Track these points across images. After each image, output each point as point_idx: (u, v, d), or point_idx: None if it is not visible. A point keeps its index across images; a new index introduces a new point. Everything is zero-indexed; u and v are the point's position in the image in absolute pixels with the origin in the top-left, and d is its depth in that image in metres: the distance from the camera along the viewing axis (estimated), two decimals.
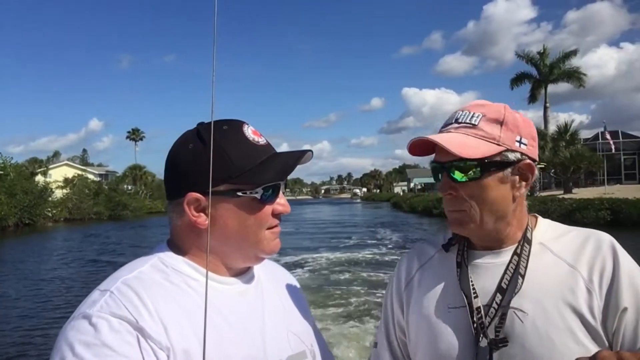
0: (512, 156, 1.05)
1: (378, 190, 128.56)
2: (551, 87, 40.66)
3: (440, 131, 1.12)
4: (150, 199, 55.52)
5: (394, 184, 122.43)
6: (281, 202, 1.05)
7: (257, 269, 1.13)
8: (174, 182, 1.02)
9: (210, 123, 0.96)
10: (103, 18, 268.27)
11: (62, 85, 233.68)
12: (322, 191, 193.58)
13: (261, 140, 1.04)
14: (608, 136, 32.78)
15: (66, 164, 69.80)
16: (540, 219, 1.17)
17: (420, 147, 1.10)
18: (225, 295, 1.02)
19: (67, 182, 45.83)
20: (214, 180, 0.91)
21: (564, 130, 36.09)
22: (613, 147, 32.52)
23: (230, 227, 1.00)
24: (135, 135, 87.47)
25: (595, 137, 36.26)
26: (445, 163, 1.06)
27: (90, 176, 56.89)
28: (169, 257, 1.01)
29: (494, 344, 1.02)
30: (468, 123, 1.07)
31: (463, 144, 1.03)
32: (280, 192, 1.04)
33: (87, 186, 47.34)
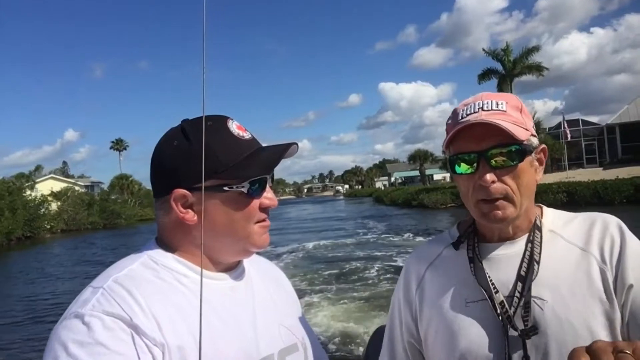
0: (534, 141, 1.06)
1: (360, 186, 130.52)
2: (524, 76, 43.47)
3: (463, 120, 1.06)
4: (139, 207, 57.02)
5: (375, 179, 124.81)
6: (268, 195, 1.05)
7: (247, 264, 1.14)
8: (160, 180, 1.02)
9: (194, 120, 1.02)
10: (74, 26, 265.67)
11: (34, 96, 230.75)
12: (305, 190, 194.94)
13: (246, 135, 1.04)
14: (565, 125, 35.76)
15: (52, 177, 70.25)
16: (545, 208, 1.17)
17: (456, 137, 1.06)
18: (216, 290, 1.02)
19: (55, 195, 47.09)
20: (200, 175, 0.91)
21: None
22: (569, 135, 35.34)
23: (218, 223, 1.00)
24: (119, 145, 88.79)
25: (558, 125, 39.00)
26: (486, 151, 1.03)
27: (77, 188, 58.05)
28: (159, 254, 1.01)
29: (525, 334, 1.01)
30: (498, 110, 1.05)
31: (511, 128, 1.01)
32: (267, 186, 1.05)
33: (80, 198, 48.79)
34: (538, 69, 41.82)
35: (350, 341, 6.99)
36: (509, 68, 42.21)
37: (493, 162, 1.03)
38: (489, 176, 1.03)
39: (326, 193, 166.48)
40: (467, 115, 1.06)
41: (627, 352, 0.62)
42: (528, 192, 1.07)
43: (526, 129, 1.05)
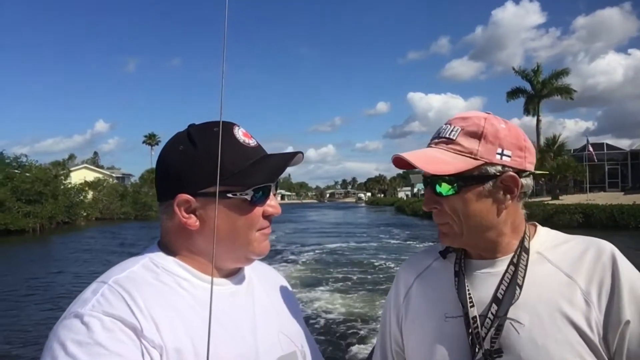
0: (492, 170, 1.04)
1: (382, 195, 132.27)
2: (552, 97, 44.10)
3: (428, 145, 1.11)
4: None
5: (398, 189, 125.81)
6: (272, 203, 1.05)
7: (248, 270, 1.14)
8: (165, 184, 1.02)
9: (201, 125, 1.04)
10: (110, 21, 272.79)
11: (68, 86, 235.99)
12: (327, 195, 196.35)
13: (252, 142, 1.04)
14: (590, 148, 36.41)
15: (85, 167, 73.38)
16: (539, 227, 1.15)
17: (404, 161, 1.07)
18: (217, 296, 0.97)
19: (90, 185, 49.42)
20: (205, 181, 0.95)
21: (552, 142, 39.90)
22: (595, 158, 36.07)
23: (220, 229, 0.99)
24: (151, 139, 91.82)
25: (583, 147, 39.66)
26: (429, 178, 1.07)
27: (108, 178, 60.64)
28: (160, 257, 1.02)
29: (488, 355, 1.01)
30: (447, 138, 1.07)
31: (434, 160, 1.03)
32: (271, 193, 1.05)
33: (115, 188, 51.23)
34: (567, 91, 42.60)
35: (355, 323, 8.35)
36: (538, 89, 43.10)
37: (436, 187, 1.06)
38: (428, 202, 1.09)
39: (348, 199, 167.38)
40: (432, 139, 1.12)
41: None
42: (478, 220, 1.05)
43: (474, 158, 1.03)
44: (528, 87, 43.77)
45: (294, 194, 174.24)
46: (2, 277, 14.25)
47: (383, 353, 1.28)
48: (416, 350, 1.15)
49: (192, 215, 1.00)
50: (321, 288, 11.55)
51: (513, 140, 1.06)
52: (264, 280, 1.21)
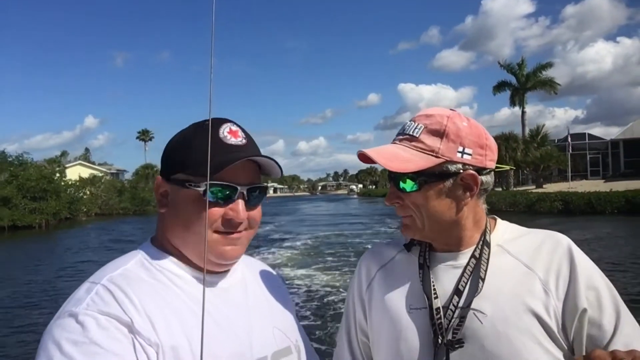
0: (452, 168, 1.05)
1: (374, 187, 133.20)
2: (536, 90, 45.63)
3: (392, 141, 1.12)
4: None
5: None
6: (235, 207, 1.00)
7: (241, 267, 1.15)
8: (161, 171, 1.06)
9: (204, 121, 1.05)
10: (98, 15, 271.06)
11: (57, 82, 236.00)
12: (319, 188, 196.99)
13: (233, 140, 1.03)
14: (569, 139, 38.21)
15: (80, 164, 74.12)
16: (499, 221, 1.18)
17: (368, 156, 1.08)
18: (210, 292, 1.02)
19: (90, 181, 50.38)
20: (174, 167, 0.99)
21: (535, 133, 41.71)
22: (571, 148, 37.65)
23: (180, 217, 1.00)
24: (144, 135, 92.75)
25: (566, 138, 41.29)
26: (392, 173, 1.09)
27: (101, 174, 61.53)
28: (153, 254, 1.03)
29: (449, 345, 1.03)
30: (410, 135, 1.08)
31: (396, 157, 1.05)
32: (239, 200, 1.01)
33: (113, 184, 52.30)
34: (551, 84, 44.22)
35: None
36: (522, 82, 44.64)
37: (400, 184, 1.09)
38: (391, 196, 1.12)
39: (340, 191, 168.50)
40: (397, 135, 1.14)
41: None
42: (438, 216, 1.08)
43: (436, 156, 1.05)
44: (513, 80, 45.37)
45: (286, 187, 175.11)
46: (35, 267, 15.48)
47: (349, 343, 1.27)
48: (381, 341, 1.16)
49: (164, 199, 1.03)
50: (315, 266, 13.07)
51: (474, 139, 1.07)
52: (256, 277, 1.22)
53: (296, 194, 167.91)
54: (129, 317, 0.87)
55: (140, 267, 1.00)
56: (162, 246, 1.06)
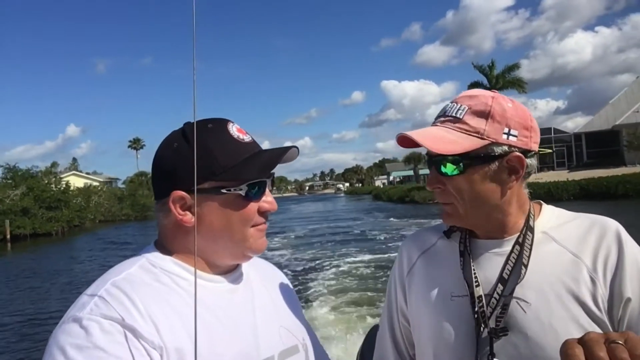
0: (498, 149, 1.03)
1: (360, 185, 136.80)
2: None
3: (433, 124, 1.10)
4: None
5: (375, 178, 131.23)
6: (267, 199, 1.05)
7: (246, 266, 1.15)
8: (160, 182, 1.03)
9: (197, 122, 0.99)
10: (77, 23, 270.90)
11: (36, 92, 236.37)
12: (307, 188, 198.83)
13: (246, 138, 1.04)
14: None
15: (73, 174, 76.51)
16: (544, 206, 1.15)
17: (409, 140, 1.07)
18: (215, 293, 1.03)
19: (88, 190, 53.03)
20: (199, 178, 0.92)
21: None
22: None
23: (215, 225, 1.00)
24: (136, 144, 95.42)
25: None
26: (433, 157, 1.06)
27: (96, 184, 64.22)
28: (157, 257, 1.02)
29: (493, 333, 1.01)
30: (453, 116, 1.05)
31: (441, 139, 1.02)
32: (267, 189, 1.05)
33: (114, 192, 55.20)
34: (519, 84, 48.11)
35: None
36: (493, 83, 48.46)
37: (441, 167, 1.05)
38: (432, 181, 1.09)
39: (327, 191, 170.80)
40: (437, 118, 1.10)
41: (619, 342, 0.62)
42: (482, 201, 1.05)
43: (480, 137, 1.02)
44: (485, 80, 49.14)
45: (274, 188, 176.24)
46: (67, 271, 18.14)
47: (391, 326, 1.27)
48: (422, 327, 1.16)
49: (188, 212, 1.00)
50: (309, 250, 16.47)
51: (520, 120, 1.05)
52: (262, 276, 1.22)
53: (284, 195, 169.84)
54: (132, 320, 0.88)
55: (143, 271, 0.99)
56: (166, 249, 1.04)
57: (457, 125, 1.06)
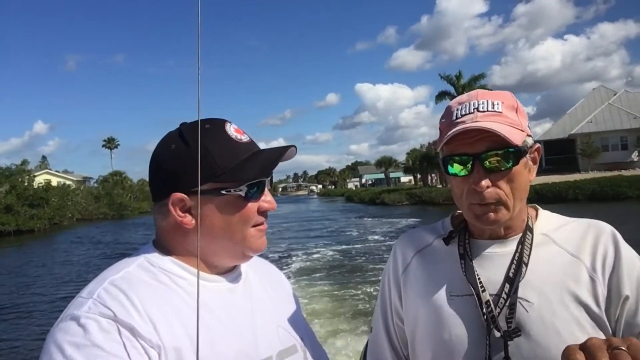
0: (529, 141, 1.05)
1: (333, 187, 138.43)
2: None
3: (459, 121, 1.05)
4: (135, 200, 63.74)
5: (348, 180, 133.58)
6: (267, 199, 1.05)
7: (245, 266, 1.14)
8: (158, 183, 1.02)
9: (192, 123, 1.02)
10: (46, 18, 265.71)
11: (1, 88, 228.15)
12: (280, 189, 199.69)
13: (244, 138, 1.04)
14: None
15: (47, 172, 76.38)
16: (540, 210, 1.16)
17: (455, 137, 1.02)
18: (214, 292, 1.03)
19: (60, 189, 53.65)
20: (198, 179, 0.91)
21: None
22: None
23: (216, 226, 1.00)
24: (110, 143, 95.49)
25: None
26: (481, 154, 1.01)
27: (69, 182, 64.59)
28: (156, 257, 1.02)
29: (507, 335, 1.01)
30: (493, 111, 1.03)
31: (507, 131, 0.99)
32: (266, 189, 1.05)
33: (90, 191, 55.92)
34: None
35: None
36: (460, 92, 51.18)
37: (487, 164, 1.01)
38: (484, 182, 1.01)
39: (300, 192, 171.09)
40: (462, 115, 1.05)
41: (622, 348, 0.61)
42: (522, 194, 1.06)
43: (522, 130, 1.03)
44: (452, 90, 51.92)
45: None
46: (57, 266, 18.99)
47: (386, 328, 1.25)
48: (419, 328, 1.14)
49: (187, 214, 1.00)
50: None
51: (526, 115, 1.09)
52: (261, 275, 1.21)
53: None
54: (131, 319, 0.87)
55: (142, 270, 0.99)
56: (164, 249, 1.04)
57: (500, 118, 1.03)
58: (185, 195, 0.99)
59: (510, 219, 1.07)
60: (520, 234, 1.10)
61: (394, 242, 1.28)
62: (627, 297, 1.01)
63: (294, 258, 14.81)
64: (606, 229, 1.09)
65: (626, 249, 1.06)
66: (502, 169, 1.03)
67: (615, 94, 47.72)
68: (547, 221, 1.15)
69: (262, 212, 1.06)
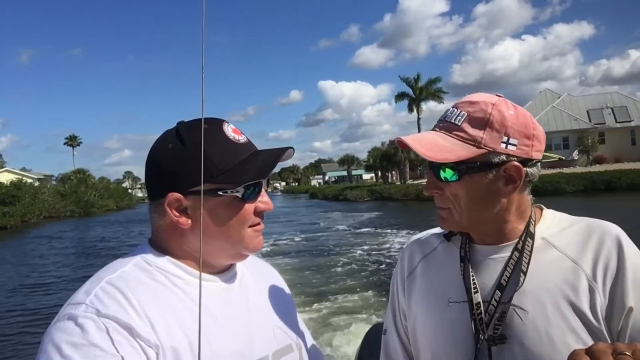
0: (495, 159, 1.01)
1: (297, 184, 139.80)
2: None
3: (434, 127, 1.09)
4: (100, 198, 64.14)
5: (311, 178, 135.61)
6: (263, 199, 1.05)
7: (241, 265, 1.15)
8: (155, 183, 1.02)
9: (190, 122, 1.02)
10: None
11: None
12: None
13: (241, 139, 1.04)
14: None
15: (7, 170, 75.54)
16: (545, 211, 1.13)
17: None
18: (210, 292, 1.02)
19: (30, 187, 53.88)
20: (195, 180, 0.92)
21: None
22: None
23: (212, 227, 1.00)
24: (72, 141, 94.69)
25: None
26: (432, 162, 1.04)
27: (30, 180, 64.36)
28: (152, 256, 1.02)
29: (491, 341, 1.01)
30: (452, 123, 1.04)
31: (436, 146, 1.01)
32: (263, 189, 1.05)
33: (56, 189, 56.20)
34: (438, 97, 54.36)
35: None
36: (417, 94, 54.37)
37: (440, 173, 1.04)
38: (430, 186, 1.07)
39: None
40: (437, 122, 1.09)
41: (627, 353, 0.61)
42: (478, 208, 1.05)
43: (479, 147, 1.01)
44: (410, 91, 54.96)
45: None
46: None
47: (396, 328, 1.27)
48: (419, 332, 1.16)
49: (183, 214, 1.00)
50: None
51: (520, 129, 1.03)
52: (257, 275, 1.22)
53: None
54: (128, 318, 0.87)
55: (139, 269, 0.99)
56: (161, 248, 1.04)
57: (454, 132, 1.03)
58: (181, 196, 0.99)
59: (488, 228, 1.09)
60: (516, 240, 1.07)
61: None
62: (631, 309, 0.96)
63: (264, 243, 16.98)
64: (611, 233, 1.04)
65: (632, 256, 1.00)
66: (448, 179, 1.04)
67: (559, 97, 51.61)
68: (550, 223, 1.12)
69: (258, 213, 1.06)
